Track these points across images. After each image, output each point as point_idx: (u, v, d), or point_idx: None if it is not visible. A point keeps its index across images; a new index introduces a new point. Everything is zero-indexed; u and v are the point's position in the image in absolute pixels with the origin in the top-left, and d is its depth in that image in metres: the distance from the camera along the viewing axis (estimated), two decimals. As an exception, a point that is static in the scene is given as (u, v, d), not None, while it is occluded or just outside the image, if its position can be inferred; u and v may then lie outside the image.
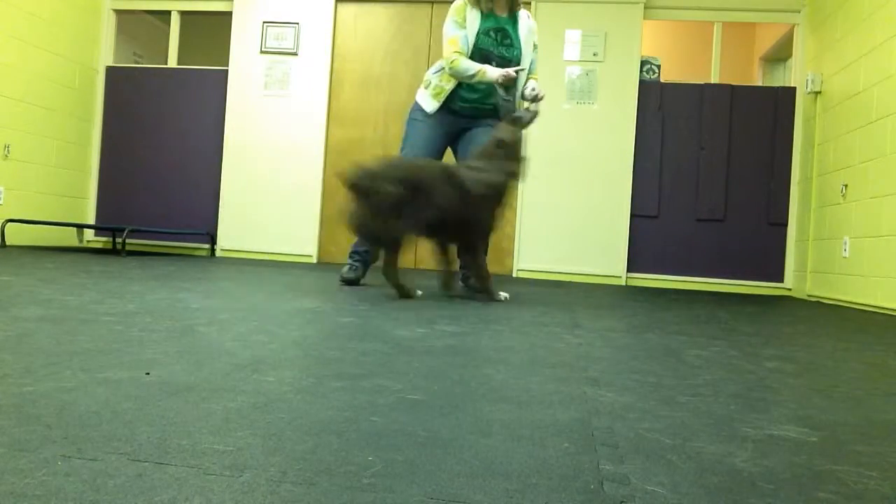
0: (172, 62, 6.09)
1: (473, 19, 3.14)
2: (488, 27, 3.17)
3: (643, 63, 5.50)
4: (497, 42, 3.18)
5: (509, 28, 3.21)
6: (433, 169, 2.78)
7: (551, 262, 5.48)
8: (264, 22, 5.82)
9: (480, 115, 3.28)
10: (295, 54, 5.79)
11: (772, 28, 6.25)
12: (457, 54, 3.12)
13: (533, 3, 5.53)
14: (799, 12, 5.39)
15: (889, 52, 3.96)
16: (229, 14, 5.93)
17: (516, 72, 3.09)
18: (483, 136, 3.18)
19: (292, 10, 5.80)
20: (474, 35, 3.14)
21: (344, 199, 2.84)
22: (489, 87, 3.16)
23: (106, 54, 6.15)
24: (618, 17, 5.45)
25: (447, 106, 3.24)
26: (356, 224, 2.73)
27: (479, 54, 3.15)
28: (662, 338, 2.02)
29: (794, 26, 5.48)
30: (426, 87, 3.30)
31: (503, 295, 3.00)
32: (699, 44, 6.73)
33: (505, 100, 3.11)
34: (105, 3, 6.13)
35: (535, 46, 3.29)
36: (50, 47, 5.54)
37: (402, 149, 3.33)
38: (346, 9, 5.79)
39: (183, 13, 6.14)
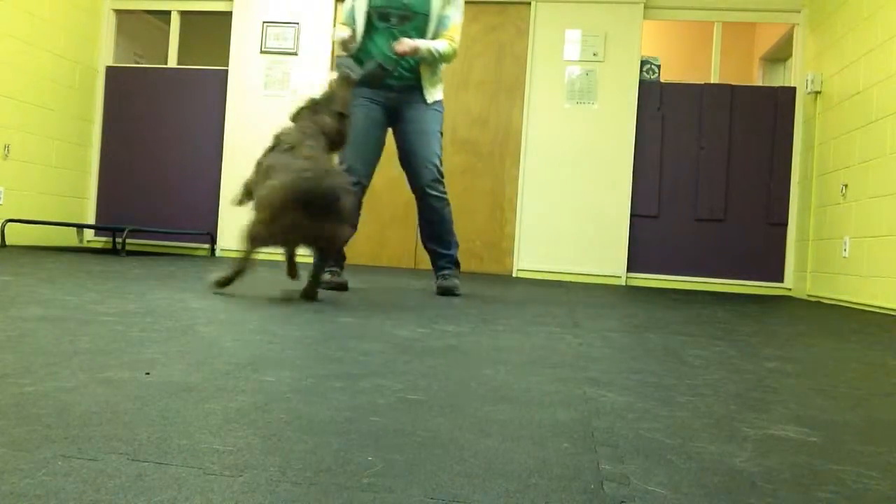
0: (172, 62, 6.09)
1: None
2: None
3: (643, 63, 5.50)
4: None
5: None
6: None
7: (551, 262, 5.48)
8: (264, 22, 5.82)
9: (410, 88, 3.13)
10: (295, 54, 5.79)
11: (772, 28, 6.25)
12: (339, 25, 3.16)
13: (533, 3, 5.53)
14: (799, 12, 5.39)
15: (889, 52, 3.96)
16: (229, 14, 5.93)
17: (349, 38, 3.07)
18: (416, 122, 3.11)
19: (292, 10, 5.80)
20: None
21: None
22: (406, 59, 3.06)
23: (106, 54, 6.15)
24: (618, 17, 5.45)
25: None
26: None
27: (376, 13, 3.06)
28: (662, 338, 2.01)
29: (794, 26, 5.48)
30: None
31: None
32: (699, 44, 6.74)
33: (338, 59, 3.10)
34: (105, 3, 6.13)
35: (449, 1, 3.13)
36: (50, 47, 5.54)
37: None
38: (346, 9, 5.79)
39: (183, 13, 6.14)
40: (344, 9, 3.17)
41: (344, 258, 3.19)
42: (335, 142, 2.73)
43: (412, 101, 3.14)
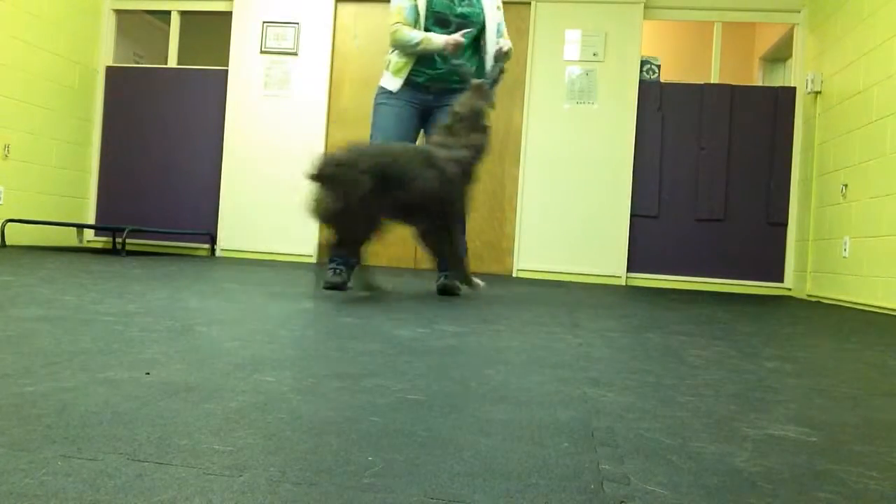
0: (172, 62, 6.09)
1: None
2: None
3: (643, 63, 5.50)
4: (454, 2, 3.06)
5: None
6: (409, 154, 2.59)
7: (551, 262, 5.48)
8: (264, 22, 5.82)
9: (448, 92, 3.13)
10: (295, 54, 5.79)
11: (772, 28, 6.25)
12: (398, 24, 3.01)
13: (533, 3, 5.53)
14: (799, 12, 5.39)
15: (889, 52, 3.96)
16: (229, 14, 5.93)
17: (464, 35, 2.98)
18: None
19: (292, 10, 5.80)
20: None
21: (311, 191, 2.53)
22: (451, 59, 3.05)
23: (106, 54, 6.15)
24: (618, 17, 5.45)
25: (411, 81, 3.09)
26: (326, 218, 2.50)
27: (433, 17, 3.03)
28: (662, 338, 2.01)
29: (794, 26, 5.48)
30: (387, 68, 3.15)
31: (480, 283, 3.04)
32: (699, 44, 6.73)
33: (455, 64, 2.99)
34: (105, 3, 6.13)
35: (499, 7, 3.18)
36: (50, 47, 5.54)
37: (371, 136, 3.12)
38: (346, 9, 5.79)
39: (183, 13, 6.14)
40: (403, 7, 3.04)
41: (359, 259, 3.13)
42: (481, 154, 2.85)
43: (447, 104, 3.13)
